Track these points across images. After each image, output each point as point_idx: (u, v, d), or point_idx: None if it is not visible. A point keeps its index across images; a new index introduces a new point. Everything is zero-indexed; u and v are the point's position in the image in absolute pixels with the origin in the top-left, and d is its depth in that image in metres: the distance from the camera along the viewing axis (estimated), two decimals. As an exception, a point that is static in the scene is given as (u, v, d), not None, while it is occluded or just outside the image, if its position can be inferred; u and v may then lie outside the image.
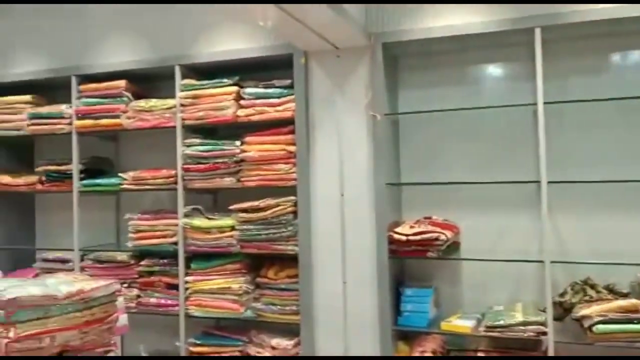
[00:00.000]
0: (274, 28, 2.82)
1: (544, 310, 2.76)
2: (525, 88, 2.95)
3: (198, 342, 3.28)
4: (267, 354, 3.13)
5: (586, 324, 2.57)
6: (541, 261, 2.77)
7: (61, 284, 1.63)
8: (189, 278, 3.30)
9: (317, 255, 3.12)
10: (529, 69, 2.87)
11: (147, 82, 3.62)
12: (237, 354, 3.20)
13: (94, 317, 1.64)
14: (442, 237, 2.85)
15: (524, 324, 2.70)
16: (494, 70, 3.18)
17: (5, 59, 3.87)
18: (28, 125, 3.71)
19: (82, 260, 3.62)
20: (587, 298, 2.71)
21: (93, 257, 3.58)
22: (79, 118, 3.58)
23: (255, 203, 3.13)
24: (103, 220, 3.82)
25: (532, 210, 2.92)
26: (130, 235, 3.44)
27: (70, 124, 3.61)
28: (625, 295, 2.70)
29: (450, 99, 3.13)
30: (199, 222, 3.27)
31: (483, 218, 3.10)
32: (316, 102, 3.15)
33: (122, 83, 3.50)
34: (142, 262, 3.45)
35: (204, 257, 3.30)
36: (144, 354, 3.52)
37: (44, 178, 3.71)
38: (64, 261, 3.67)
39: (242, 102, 3.25)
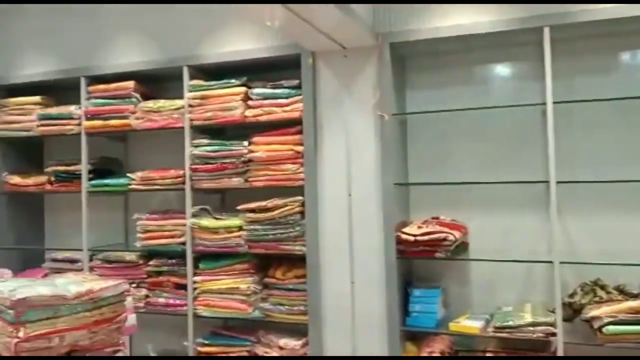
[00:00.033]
0: (281, 28, 2.82)
1: (553, 311, 2.74)
2: (533, 88, 2.94)
3: (206, 342, 3.29)
4: (275, 354, 3.13)
5: (596, 325, 2.56)
6: (550, 262, 2.75)
7: (70, 284, 1.64)
8: (197, 278, 3.31)
9: (324, 255, 3.12)
10: (537, 68, 2.86)
11: (156, 82, 3.64)
12: (245, 354, 3.20)
13: (103, 317, 1.65)
14: (451, 237, 2.84)
15: (533, 324, 2.68)
16: (501, 69, 3.16)
17: (15, 60, 3.90)
18: (37, 126, 3.74)
19: (91, 260, 3.63)
20: (597, 299, 2.69)
21: (102, 257, 3.60)
22: (88, 119, 3.60)
23: (263, 203, 3.13)
24: (112, 220, 3.83)
25: (541, 210, 2.91)
26: (139, 235, 3.46)
27: (79, 124, 3.63)
28: (635, 296, 2.67)
29: (458, 99, 3.12)
30: (207, 222, 3.28)
31: (491, 218, 3.08)
32: (324, 102, 3.15)
33: (130, 84, 3.52)
34: (151, 262, 3.46)
35: (212, 257, 3.31)
36: (152, 354, 3.53)
37: (53, 178, 3.74)
38: (73, 261, 3.69)
39: (250, 102, 3.25)
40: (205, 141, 3.32)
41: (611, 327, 2.51)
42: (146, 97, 3.54)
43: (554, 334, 2.66)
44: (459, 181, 3.07)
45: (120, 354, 1.71)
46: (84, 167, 3.62)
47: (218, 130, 3.48)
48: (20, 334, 1.48)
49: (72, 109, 3.66)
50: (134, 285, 3.41)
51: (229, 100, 3.26)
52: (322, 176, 3.14)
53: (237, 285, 3.20)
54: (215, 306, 3.27)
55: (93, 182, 3.62)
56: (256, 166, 3.22)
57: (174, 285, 3.41)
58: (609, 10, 2.63)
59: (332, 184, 3.12)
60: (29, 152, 4.04)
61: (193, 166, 3.33)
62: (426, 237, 2.86)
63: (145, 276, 3.47)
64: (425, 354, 2.86)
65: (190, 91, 3.35)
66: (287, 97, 3.17)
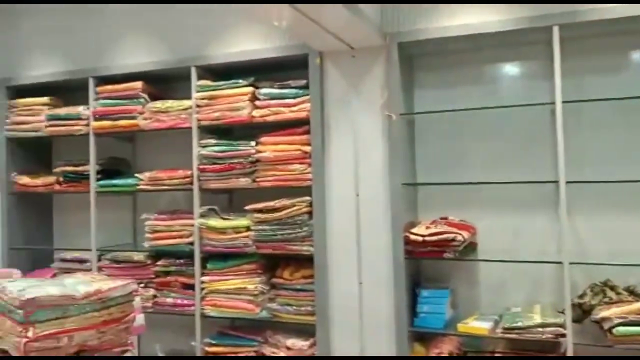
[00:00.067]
0: (289, 28, 2.82)
1: (562, 312, 2.72)
2: (542, 87, 2.92)
3: (214, 342, 3.29)
4: (282, 355, 3.13)
5: (606, 326, 2.54)
6: (560, 262, 2.73)
7: (79, 284, 1.64)
8: (204, 278, 3.31)
9: (332, 255, 3.11)
10: (546, 67, 2.84)
11: (164, 83, 3.65)
12: (252, 354, 3.20)
13: (112, 316, 1.65)
14: (459, 237, 2.82)
15: (542, 325, 2.66)
16: (510, 69, 3.15)
17: (24, 61, 3.92)
18: (46, 126, 3.76)
19: (99, 260, 3.65)
20: (606, 300, 2.67)
21: (110, 257, 3.61)
22: (96, 119, 3.62)
23: (271, 203, 3.13)
24: (120, 221, 3.85)
25: (550, 210, 2.89)
26: (147, 235, 3.46)
27: (87, 125, 3.65)
28: (645, 297, 2.66)
29: (466, 99, 3.10)
30: (215, 222, 3.28)
31: (500, 218, 3.06)
32: (331, 102, 3.14)
33: (138, 84, 3.52)
34: (159, 262, 3.47)
35: (220, 258, 3.31)
36: (160, 354, 3.54)
37: (61, 179, 3.75)
38: (81, 261, 3.70)
39: (257, 102, 3.25)
40: (213, 141, 3.32)
41: (621, 328, 2.49)
42: (154, 98, 3.55)
43: (563, 335, 2.65)
44: (467, 181, 3.05)
45: (128, 354, 1.71)
46: (92, 168, 3.63)
47: (225, 131, 3.48)
48: (30, 334, 1.48)
49: (80, 109, 3.67)
50: (142, 285, 3.41)
51: (236, 101, 3.26)
52: (330, 176, 3.13)
53: (245, 285, 3.21)
54: (223, 306, 3.27)
55: (101, 182, 3.63)
56: (264, 166, 3.22)
57: (181, 285, 3.41)
58: (618, 8, 2.61)
59: (339, 184, 3.11)
60: (37, 152, 4.05)
61: (201, 166, 3.33)
62: (434, 238, 2.85)
63: (153, 276, 3.47)
64: (433, 355, 2.85)
65: (198, 91, 3.35)
66: (294, 97, 3.17)
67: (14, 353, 1.51)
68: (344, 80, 3.12)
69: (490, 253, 2.99)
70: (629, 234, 2.83)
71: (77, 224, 3.88)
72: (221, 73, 3.38)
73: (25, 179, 3.84)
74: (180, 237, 3.39)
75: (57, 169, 3.78)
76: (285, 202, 3.12)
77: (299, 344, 3.11)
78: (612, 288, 2.73)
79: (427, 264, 3.18)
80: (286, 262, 3.28)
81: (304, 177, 3.13)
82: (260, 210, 3.17)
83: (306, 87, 3.15)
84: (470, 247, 2.98)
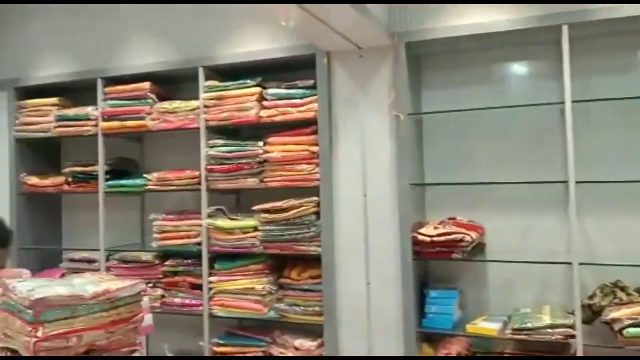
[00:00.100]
0: (296, 28, 2.82)
1: (572, 313, 2.70)
2: (551, 86, 2.90)
3: (221, 342, 3.30)
4: (290, 355, 3.13)
5: (616, 327, 2.52)
6: (569, 263, 2.71)
7: (87, 284, 1.65)
8: (212, 278, 3.31)
9: (340, 255, 3.11)
10: (555, 67, 2.82)
11: (171, 83, 3.66)
12: (260, 354, 3.21)
13: (120, 316, 1.65)
14: (467, 238, 2.81)
15: (552, 326, 2.65)
16: (519, 68, 3.13)
17: (32, 62, 3.94)
18: (55, 127, 3.77)
19: (107, 260, 3.66)
20: (616, 301, 2.65)
21: (118, 257, 3.62)
22: (104, 120, 3.63)
23: (278, 203, 3.13)
24: (128, 221, 3.86)
25: (559, 210, 2.87)
26: (155, 235, 3.47)
27: (96, 125, 3.66)
28: (656, 298, 2.64)
29: (474, 98, 3.08)
30: (222, 222, 3.29)
31: (509, 219, 3.05)
32: (339, 103, 3.14)
33: (146, 85, 3.53)
34: (167, 262, 3.47)
35: (228, 258, 3.32)
36: (168, 354, 3.54)
37: (70, 179, 3.77)
38: (90, 261, 3.72)
39: (265, 102, 3.25)
40: (221, 142, 3.33)
41: (632, 330, 2.47)
42: (162, 98, 3.56)
43: (573, 336, 2.63)
44: (475, 181, 3.04)
45: (137, 354, 1.71)
46: (100, 168, 3.64)
47: (233, 131, 3.48)
48: (39, 334, 1.49)
49: (89, 110, 3.69)
50: (150, 285, 3.42)
51: (244, 101, 3.26)
52: (338, 176, 3.13)
53: (253, 285, 3.21)
54: (231, 306, 3.27)
55: (110, 182, 3.64)
56: (271, 166, 3.22)
57: (189, 285, 3.42)
58: (627, 7, 2.59)
59: (347, 184, 3.11)
60: (46, 153, 4.07)
61: (208, 167, 3.34)
62: (442, 238, 2.84)
63: (161, 276, 3.48)
64: (442, 356, 2.84)
65: (206, 92, 3.36)
66: (302, 98, 3.17)
67: (23, 352, 1.51)
68: (352, 80, 3.11)
69: (499, 253, 2.98)
70: (639, 234, 2.81)
71: (85, 224, 3.90)
72: (229, 73, 3.38)
73: (34, 180, 3.86)
74: (188, 237, 3.40)
75: (66, 170, 3.80)
76: (292, 202, 3.12)
77: (306, 344, 3.10)
78: (623, 289, 2.71)
79: (435, 265, 3.17)
80: (294, 262, 3.28)
81: (312, 177, 3.13)
82: (267, 211, 3.17)
83: (314, 87, 3.15)
84: (479, 247, 2.97)
